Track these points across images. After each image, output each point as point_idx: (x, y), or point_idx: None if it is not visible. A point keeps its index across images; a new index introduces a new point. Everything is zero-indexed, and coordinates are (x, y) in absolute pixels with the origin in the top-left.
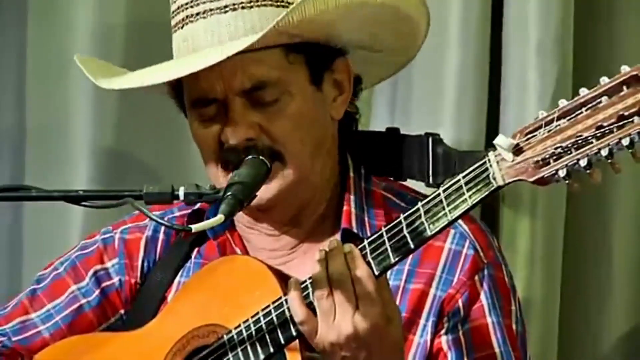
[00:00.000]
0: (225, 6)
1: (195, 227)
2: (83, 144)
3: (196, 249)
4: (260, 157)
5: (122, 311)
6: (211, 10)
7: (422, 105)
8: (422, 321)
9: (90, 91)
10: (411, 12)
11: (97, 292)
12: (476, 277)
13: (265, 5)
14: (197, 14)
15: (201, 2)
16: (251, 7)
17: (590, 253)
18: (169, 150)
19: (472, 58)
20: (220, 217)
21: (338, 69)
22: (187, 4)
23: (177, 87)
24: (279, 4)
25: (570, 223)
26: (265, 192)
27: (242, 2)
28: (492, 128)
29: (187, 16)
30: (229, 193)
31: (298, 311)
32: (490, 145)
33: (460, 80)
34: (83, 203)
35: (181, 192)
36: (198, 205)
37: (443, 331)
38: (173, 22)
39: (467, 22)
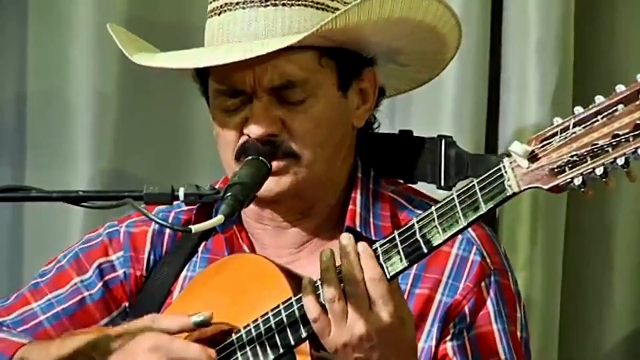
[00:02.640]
0: (267, 0)
1: (195, 229)
2: (83, 144)
3: (203, 243)
4: (260, 158)
5: (126, 304)
6: (252, 1)
7: (421, 106)
8: (427, 326)
9: (90, 91)
10: (445, 31)
11: (100, 285)
12: (482, 284)
13: (306, 5)
14: (237, 3)
15: None
16: (292, 5)
17: (591, 255)
18: (169, 151)
19: (472, 59)
20: (220, 218)
21: (365, 78)
22: None
23: (203, 72)
24: (319, 6)
25: (571, 224)
26: (275, 186)
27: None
28: (492, 129)
29: (225, 3)
30: (228, 194)
31: (312, 309)
32: (489, 146)
33: (460, 81)
34: (83, 204)
35: (181, 193)
36: None
37: (449, 337)
38: (210, 7)
39: (467, 22)
